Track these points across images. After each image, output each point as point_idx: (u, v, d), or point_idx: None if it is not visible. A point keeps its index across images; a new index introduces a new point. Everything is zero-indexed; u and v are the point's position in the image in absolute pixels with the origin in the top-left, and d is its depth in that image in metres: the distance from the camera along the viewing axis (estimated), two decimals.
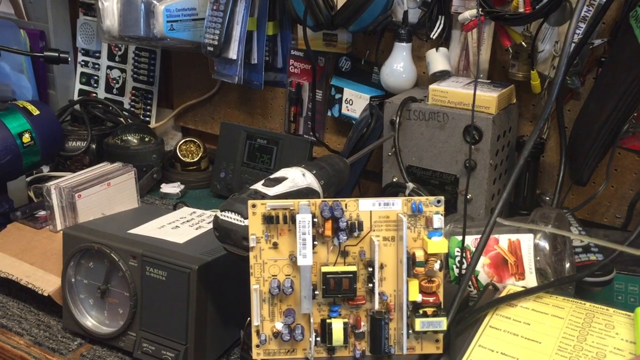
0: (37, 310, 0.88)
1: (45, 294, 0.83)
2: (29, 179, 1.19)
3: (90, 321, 0.81)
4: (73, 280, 0.81)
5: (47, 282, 0.84)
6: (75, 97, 1.52)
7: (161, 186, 1.25)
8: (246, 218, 0.62)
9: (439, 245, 0.61)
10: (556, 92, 0.67)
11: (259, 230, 0.61)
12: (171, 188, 1.24)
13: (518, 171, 0.68)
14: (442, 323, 0.61)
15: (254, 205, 0.61)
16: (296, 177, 0.69)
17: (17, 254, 0.90)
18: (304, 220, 0.59)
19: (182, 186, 1.25)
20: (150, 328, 0.76)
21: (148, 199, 1.22)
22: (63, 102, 1.46)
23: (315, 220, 0.60)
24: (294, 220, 0.60)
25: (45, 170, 1.27)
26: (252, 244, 0.61)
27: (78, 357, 0.79)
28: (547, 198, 1.02)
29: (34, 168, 1.05)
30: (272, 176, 0.69)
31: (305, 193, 0.68)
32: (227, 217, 0.63)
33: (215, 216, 0.64)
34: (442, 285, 0.62)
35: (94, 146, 1.28)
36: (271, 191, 0.65)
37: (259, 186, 0.67)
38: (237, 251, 0.63)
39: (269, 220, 0.61)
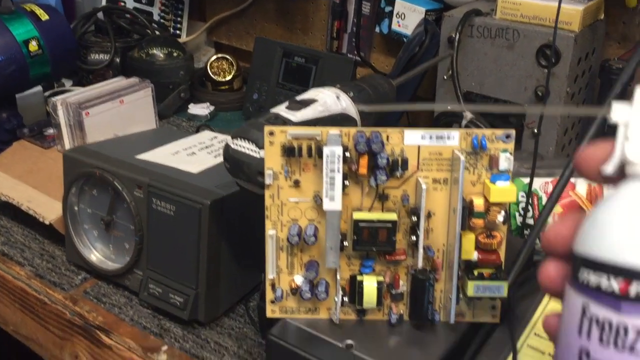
0: (42, 237, 0.80)
1: (47, 222, 0.74)
2: (47, 93, 1.09)
3: (94, 255, 0.72)
4: (76, 208, 0.72)
5: (50, 209, 0.75)
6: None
7: (189, 106, 1.13)
8: (262, 148, 0.49)
9: (505, 192, 0.47)
10: None
11: (277, 164, 0.49)
12: (200, 109, 1.13)
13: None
14: (502, 288, 0.49)
15: (271, 133, 0.48)
16: (328, 99, 0.56)
17: (20, 176, 0.81)
18: (332, 153, 0.47)
19: (212, 107, 1.13)
20: (158, 268, 0.67)
21: (174, 120, 1.11)
22: (89, 10, 1.34)
23: (348, 154, 0.48)
24: (320, 154, 0.48)
25: (68, 84, 1.17)
26: (268, 180, 0.49)
27: (81, 294, 0.71)
28: None
29: (44, 80, 0.94)
30: (298, 97, 0.56)
31: (338, 120, 0.55)
32: (240, 146, 0.51)
33: (227, 144, 0.52)
34: (505, 242, 0.50)
35: (118, 60, 1.16)
36: (296, 116, 0.53)
37: (281, 109, 0.54)
38: (251, 187, 0.52)
39: (289, 152, 0.48)
